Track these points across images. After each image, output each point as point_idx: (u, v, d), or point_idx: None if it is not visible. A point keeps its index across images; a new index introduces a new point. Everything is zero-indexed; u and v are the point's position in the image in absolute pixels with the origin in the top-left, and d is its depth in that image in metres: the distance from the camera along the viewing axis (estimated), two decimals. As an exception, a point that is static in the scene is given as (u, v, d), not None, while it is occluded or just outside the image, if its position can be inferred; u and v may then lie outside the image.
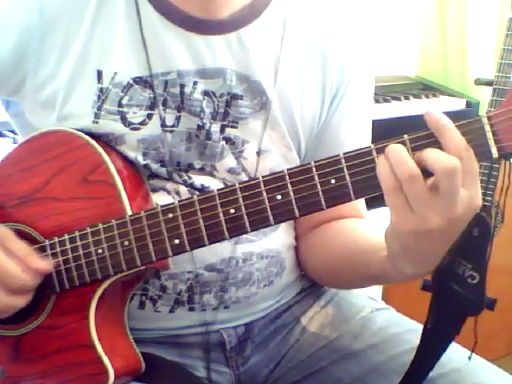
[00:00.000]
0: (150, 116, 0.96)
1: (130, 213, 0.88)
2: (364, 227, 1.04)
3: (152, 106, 0.96)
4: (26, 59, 0.96)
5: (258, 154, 1.00)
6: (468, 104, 2.53)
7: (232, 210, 0.83)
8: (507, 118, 0.75)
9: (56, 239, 0.91)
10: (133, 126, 0.96)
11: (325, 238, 1.06)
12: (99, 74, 0.95)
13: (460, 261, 0.91)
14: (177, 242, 0.86)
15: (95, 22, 0.95)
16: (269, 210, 0.82)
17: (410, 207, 0.76)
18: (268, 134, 1.00)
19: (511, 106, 0.75)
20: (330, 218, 1.06)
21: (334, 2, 1.08)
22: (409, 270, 0.84)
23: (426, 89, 2.61)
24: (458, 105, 2.52)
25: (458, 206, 0.75)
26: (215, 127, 0.98)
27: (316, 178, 0.80)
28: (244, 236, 0.98)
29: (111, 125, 0.95)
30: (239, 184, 0.83)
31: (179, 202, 0.86)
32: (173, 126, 0.97)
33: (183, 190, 0.98)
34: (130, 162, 0.96)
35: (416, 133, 0.78)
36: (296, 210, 0.81)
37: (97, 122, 0.95)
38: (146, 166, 0.96)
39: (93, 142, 0.92)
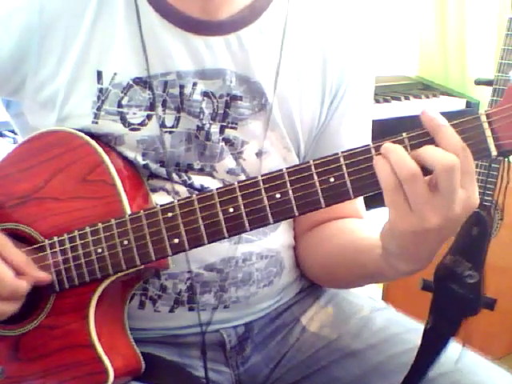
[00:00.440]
0: (149, 117, 0.96)
1: (129, 212, 0.89)
2: (362, 227, 1.04)
3: (151, 106, 0.96)
4: (26, 60, 0.97)
5: (258, 155, 1.00)
6: (468, 104, 2.53)
7: (231, 209, 0.83)
8: (506, 116, 0.75)
9: (55, 239, 0.91)
10: (132, 126, 0.96)
11: (322, 238, 1.06)
12: (99, 74, 0.95)
13: (460, 260, 0.91)
14: (176, 241, 0.86)
15: (95, 22, 0.95)
16: (268, 208, 0.82)
17: (410, 206, 0.76)
18: (267, 135, 1.00)
19: (509, 103, 0.75)
20: (329, 218, 1.06)
21: (335, 3, 1.07)
22: (403, 268, 0.84)
23: (426, 89, 2.61)
24: (458, 105, 2.52)
25: (456, 204, 0.75)
26: (215, 128, 0.98)
27: (315, 176, 0.80)
28: (244, 236, 0.98)
29: (111, 125, 0.96)
30: (238, 183, 0.83)
31: (178, 201, 0.86)
32: (172, 126, 0.97)
33: (183, 190, 0.98)
34: (129, 162, 0.96)
35: (414, 131, 0.78)
36: (295, 209, 0.81)
37: (96, 123, 0.95)
38: (145, 166, 0.97)
39: (92, 141, 0.92)
